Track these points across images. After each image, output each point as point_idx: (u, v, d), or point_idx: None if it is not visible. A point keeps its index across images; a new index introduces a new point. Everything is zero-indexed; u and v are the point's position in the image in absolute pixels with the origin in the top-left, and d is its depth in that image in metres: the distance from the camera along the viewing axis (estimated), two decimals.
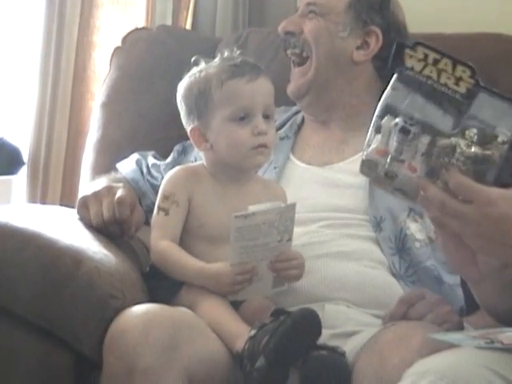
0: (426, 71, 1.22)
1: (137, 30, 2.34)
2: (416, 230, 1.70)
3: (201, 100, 1.62)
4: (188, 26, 2.46)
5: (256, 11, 2.46)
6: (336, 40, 1.82)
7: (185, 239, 1.62)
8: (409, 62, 1.23)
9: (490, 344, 1.20)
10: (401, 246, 1.69)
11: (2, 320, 1.51)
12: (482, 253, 1.24)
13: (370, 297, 1.62)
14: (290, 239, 1.54)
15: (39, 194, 2.43)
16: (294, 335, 1.40)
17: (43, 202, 2.41)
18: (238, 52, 1.68)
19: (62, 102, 2.41)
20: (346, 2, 1.82)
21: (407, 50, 1.23)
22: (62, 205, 2.30)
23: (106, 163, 2.03)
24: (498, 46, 2.05)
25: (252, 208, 1.49)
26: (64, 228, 1.63)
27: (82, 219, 1.69)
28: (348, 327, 1.57)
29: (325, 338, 1.50)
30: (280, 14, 2.42)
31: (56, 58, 2.39)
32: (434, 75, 1.22)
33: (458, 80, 1.21)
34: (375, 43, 1.83)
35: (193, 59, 1.69)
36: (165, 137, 2.08)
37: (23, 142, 2.46)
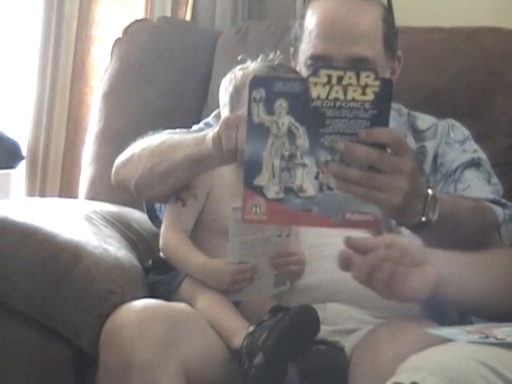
0: (333, 94, 1.24)
1: (138, 21, 2.34)
2: (408, 235, 1.69)
3: (235, 96, 1.63)
4: (187, 19, 2.45)
5: (255, 4, 2.46)
6: None
7: (198, 231, 1.62)
8: (314, 92, 1.25)
9: (485, 339, 1.20)
10: None
11: (1, 314, 1.52)
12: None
13: (375, 300, 1.58)
14: (289, 234, 1.54)
15: (38, 188, 2.43)
16: (293, 332, 1.40)
17: (42, 196, 2.41)
18: (281, 56, 1.68)
19: (60, 97, 2.41)
20: (381, 43, 1.73)
21: (310, 79, 1.25)
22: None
23: (108, 153, 2.03)
24: (497, 40, 2.04)
25: None
26: (64, 222, 1.63)
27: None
28: (349, 325, 1.57)
29: (325, 333, 1.49)
30: (279, 7, 2.43)
31: (55, 52, 2.39)
32: (341, 94, 1.24)
33: (364, 88, 1.24)
34: (398, 66, 1.80)
35: (239, 58, 1.69)
36: (168, 126, 2.06)
37: (22, 136, 2.46)
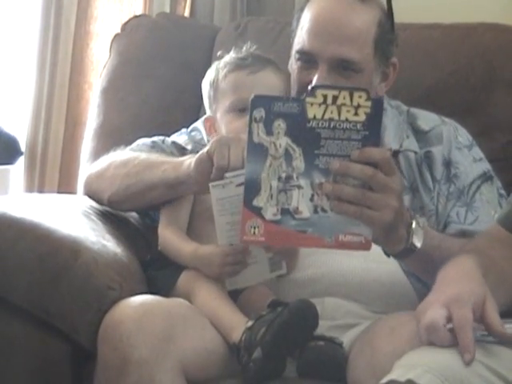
0: (328, 114, 1.30)
1: (136, 17, 2.35)
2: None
3: (211, 91, 1.66)
4: (186, 15, 2.46)
5: (254, 0, 2.47)
6: (372, 89, 1.71)
7: (195, 222, 1.63)
8: (310, 112, 1.30)
9: (487, 337, 1.20)
10: None
11: (0, 310, 1.51)
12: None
13: (373, 294, 1.60)
14: None
15: (37, 183, 2.43)
16: (291, 327, 1.40)
17: (40, 191, 2.41)
18: (253, 46, 1.69)
19: (59, 92, 2.40)
20: (372, 48, 1.72)
21: (307, 99, 1.29)
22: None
23: (107, 149, 2.01)
24: (496, 37, 2.04)
25: (229, 175, 1.47)
26: (62, 218, 1.63)
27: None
28: (347, 320, 1.57)
29: (323, 329, 1.50)
30: (278, 3, 2.43)
31: (53, 47, 2.39)
32: (335, 114, 1.30)
33: (357, 109, 1.29)
34: (393, 73, 1.79)
35: (218, 53, 1.71)
36: (167, 121, 2.08)
37: (21, 131, 2.45)
